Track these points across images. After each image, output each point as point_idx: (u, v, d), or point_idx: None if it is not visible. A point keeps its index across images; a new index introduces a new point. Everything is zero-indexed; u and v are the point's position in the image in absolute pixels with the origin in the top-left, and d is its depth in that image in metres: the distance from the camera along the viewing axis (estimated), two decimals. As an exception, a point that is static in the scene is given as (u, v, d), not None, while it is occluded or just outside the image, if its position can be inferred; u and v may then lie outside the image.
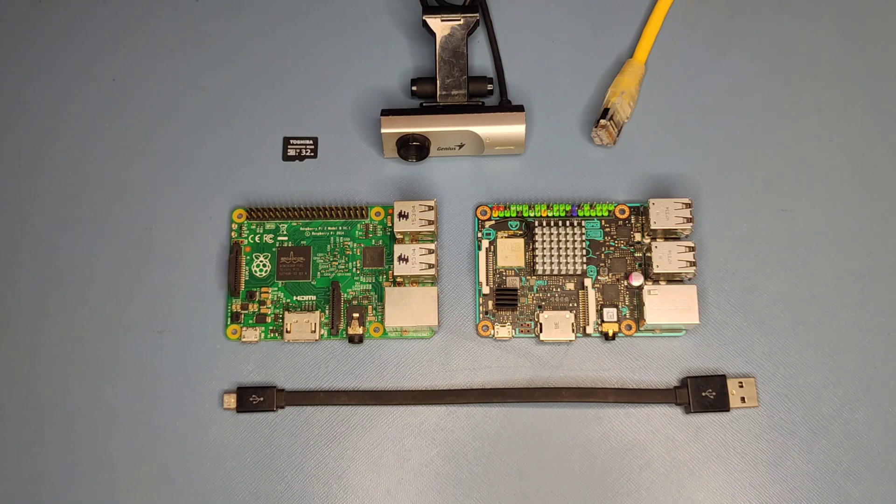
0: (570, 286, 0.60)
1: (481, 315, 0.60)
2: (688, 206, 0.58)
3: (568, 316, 0.58)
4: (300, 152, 0.63)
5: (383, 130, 0.60)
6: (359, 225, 0.61)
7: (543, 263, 0.59)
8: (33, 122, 0.64)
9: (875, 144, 0.62)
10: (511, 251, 0.60)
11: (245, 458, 0.58)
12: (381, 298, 0.60)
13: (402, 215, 0.58)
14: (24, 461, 0.58)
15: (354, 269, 0.60)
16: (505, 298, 0.59)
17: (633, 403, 0.58)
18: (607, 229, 0.60)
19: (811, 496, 0.57)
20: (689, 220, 0.58)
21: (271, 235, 0.61)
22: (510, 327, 0.59)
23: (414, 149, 0.60)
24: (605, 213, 0.60)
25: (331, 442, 0.58)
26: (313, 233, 0.61)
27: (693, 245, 0.58)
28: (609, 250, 0.60)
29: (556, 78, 0.64)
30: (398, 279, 0.59)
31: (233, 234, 0.61)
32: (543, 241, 0.59)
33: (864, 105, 0.63)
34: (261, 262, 0.61)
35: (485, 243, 0.60)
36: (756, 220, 0.61)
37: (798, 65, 0.64)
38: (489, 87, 0.62)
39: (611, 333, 0.58)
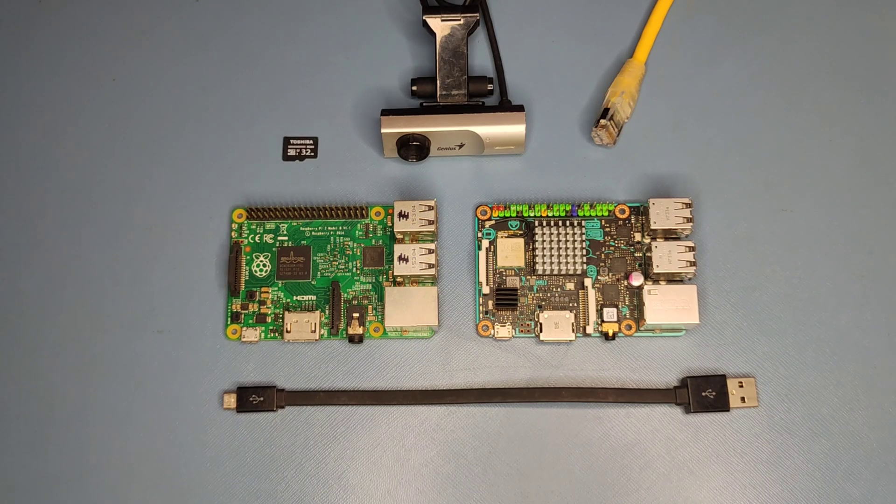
0: (570, 286, 0.60)
1: (481, 315, 0.60)
2: (688, 206, 0.58)
3: (568, 316, 0.58)
4: (300, 152, 0.63)
5: (383, 130, 0.60)
6: (359, 225, 0.61)
7: (543, 263, 0.59)
8: (33, 122, 0.64)
9: (875, 144, 0.62)
10: (511, 251, 0.60)
11: (245, 458, 0.58)
12: (381, 298, 0.60)
13: (402, 215, 0.58)
14: (24, 461, 0.58)
15: (354, 269, 0.60)
16: (505, 298, 0.59)
17: (633, 403, 0.58)
18: (607, 229, 0.60)
19: (811, 496, 0.57)
20: (689, 220, 0.58)
21: (271, 235, 0.61)
22: (510, 327, 0.59)
23: (414, 149, 0.60)
24: (605, 213, 0.60)
25: (331, 442, 0.58)
26: (313, 233, 0.61)
27: (693, 245, 0.58)
28: (609, 250, 0.60)
29: (556, 78, 0.64)
30: (398, 279, 0.59)
31: (233, 233, 0.61)
32: (543, 240, 0.59)
33: (863, 105, 0.63)
34: (261, 261, 0.61)
35: (485, 243, 0.60)
36: (756, 220, 0.61)
37: (798, 65, 0.64)
38: (489, 87, 0.62)
39: (611, 333, 0.58)
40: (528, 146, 0.63)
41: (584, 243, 0.59)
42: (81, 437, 0.58)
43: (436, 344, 0.60)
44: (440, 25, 0.62)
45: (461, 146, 0.61)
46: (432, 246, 0.58)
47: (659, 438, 0.58)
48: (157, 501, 0.57)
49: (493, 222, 0.61)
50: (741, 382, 0.58)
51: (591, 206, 0.60)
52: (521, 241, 0.60)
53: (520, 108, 0.60)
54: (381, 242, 0.61)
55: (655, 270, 0.58)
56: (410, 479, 0.58)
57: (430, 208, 0.59)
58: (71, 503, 0.58)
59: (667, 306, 0.57)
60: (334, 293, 0.59)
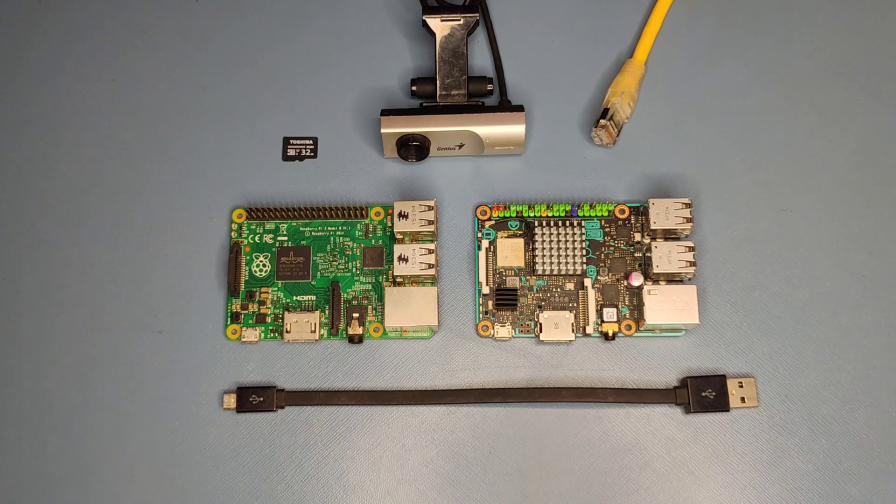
0: (569, 286, 0.60)
1: (481, 315, 0.60)
2: (688, 206, 0.58)
3: (568, 316, 0.58)
4: (300, 152, 0.63)
5: (383, 130, 0.60)
6: (359, 225, 0.61)
7: (543, 263, 0.59)
8: (33, 122, 0.64)
9: (875, 144, 0.62)
10: (511, 251, 0.60)
11: (245, 458, 0.58)
12: (381, 298, 0.60)
13: (402, 215, 0.58)
14: (24, 461, 0.58)
15: (354, 269, 0.60)
16: (505, 298, 0.59)
17: (633, 403, 0.58)
18: (607, 229, 0.60)
19: (811, 496, 0.57)
20: (689, 220, 0.58)
21: (271, 235, 0.61)
22: (510, 327, 0.59)
23: (414, 149, 0.60)
24: (605, 213, 0.60)
25: (331, 442, 0.58)
26: (313, 233, 0.61)
27: (693, 245, 0.58)
28: (609, 250, 0.60)
29: (556, 78, 0.64)
30: (398, 279, 0.59)
31: (233, 234, 0.61)
32: (543, 241, 0.59)
33: (864, 105, 0.63)
34: (261, 262, 0.61)
35: (485, 243, 0.60)
36: (756, 220, 0.61)
37: (798, 64, 0.64)
38: (489, 87, 0.62)
39: (611, 333, 0.58)
40: (528, 146, 0.63)
41: (583, 243, 0.59)
42: (81, 437, 0.58)
43: (436, 344, 0.60)
44: (440, 25, 0.62)
45: (461, 146, 0.61)
46: (432, 246, 0.58)
47: (659, 438, 0.58)
48: (157, 501, 0.57)
49: (492, 222, 0.61)
50: (741, 382, 0.58)
51: (591, 206, 0.60)
52: (520, 241, 0.60)
53: (520, 108, 0.60)
54: (380, 242, 0.61)
55: (655, 270, 0.58)
56: (410, 479, 0.58)
57: (430, 208, 0.59)
58: (71, 503, 0.58)
59: (667, 306, 0.57)
60: (334, 293, 0.59)
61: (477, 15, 0.62)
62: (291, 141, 0.63)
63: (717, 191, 0.62)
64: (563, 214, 0.60)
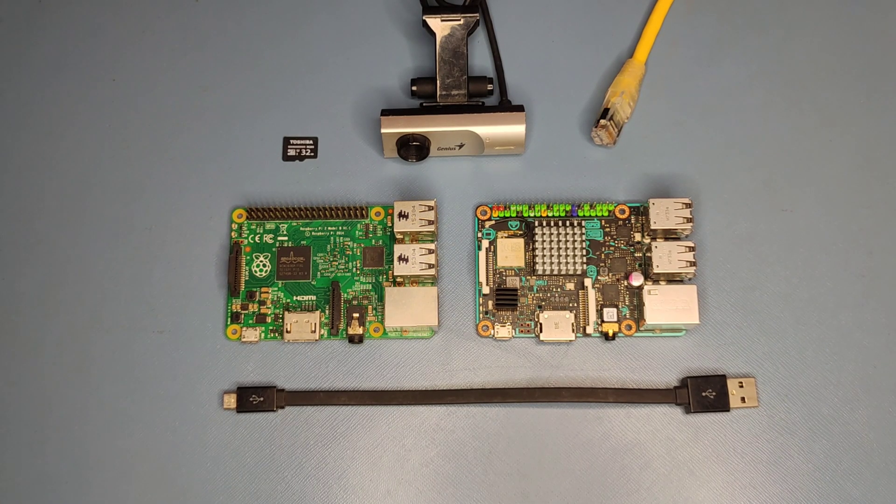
0: (570, 286, 0.60)
1: (481, 315, 0.60)
2: (688, 206, 0.58)
3: (568, 316, 0.58)
4: (300, 152, 0.63)
5: (383, 130, 0.60)
6: (359, 225, 0.61)
7: (543, 263, 0.59)
8: (34, 122, 0.64)
9: (875, 144, 0.62)
10: (511, 251, 0.60)
11: (245, 458, 0.58)
12: (381, 298, 0.60)
13: (402, 215, 0.58)
14: (24, 461, 0.58)
15: (354, 269, 0.60)
16: (505, 298, 0.59)
17: (634, 403, 0.58)
18: (607, 229, 0.60)
19: (811, 496, 0.57)
20: (689, 220, 0.58)
21: (271, 235, 0.61)
22: (510, 327, 0.59)
23: (414, 149, 0.60)
24: (605, 213, 0.60)
25: (331, 442, 0.58)
26: (313, 233, 0.61)
27: (693, 245, 0.58)
28: (609, 250, 0.60)
29: (556, 78, 0.64)
30: (398, 279, 0.59)
31: (233, 234, 0.61)
32: (543, 241, 0.59)
33: (864, 105, 0.63)
34: (261, 262, 0.61)
35: (485, 243, 0.60)
36: (756, 220, 0.61)
37: (798, 64, 0.64)
38: (489, 87, 0.62)
39: (611, 333, 0.58)
40: (528, 146, 0.63)
41: (584, 243, 0.59)
42: (81, 437, 0.58)
43: (436, 344, 0.60)
44: (440, 25, 0.62)
45: (461, 146, 0.61)
46: (432, 246, 0.58)
47: (659, 438, 0.58)
48: (157, 501, 0.57)
49: (493, 222, 0.61)
50: (741, 382, 0.58)
51: (591, 206, 0.60)
52: (521, 241, 0.60)
53: (520, 108, 0.60)
54: (381, 242, 0.61)
55: (655, 270, 0.58)
56: (410, 479, 0.58)
57: (430, 208, 0.59)
58: (71, 503, 0.57)
59: (667, 306, 0.57)
60: (334, 293, 0.59)
61: (477, 15, 0.62)
62: (291, 141, 0.63)
63: (717, 191, 0.62)
64: (563, 214, 0.60)
